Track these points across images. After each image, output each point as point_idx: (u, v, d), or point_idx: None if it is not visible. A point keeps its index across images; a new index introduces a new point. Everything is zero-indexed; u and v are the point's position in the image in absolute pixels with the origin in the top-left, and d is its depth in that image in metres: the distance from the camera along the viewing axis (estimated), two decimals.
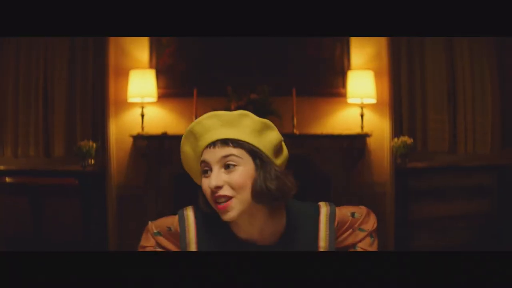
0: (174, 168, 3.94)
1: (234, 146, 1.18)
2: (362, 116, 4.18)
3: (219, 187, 1.16)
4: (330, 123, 4.30)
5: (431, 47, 4.31)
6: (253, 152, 1.19)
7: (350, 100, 4.22)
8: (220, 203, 1.17)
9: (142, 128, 4.18)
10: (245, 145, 1.19)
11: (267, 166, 1.19)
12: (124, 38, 4.34)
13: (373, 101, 4.21)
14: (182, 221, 1.29)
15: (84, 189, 4.15)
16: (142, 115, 4.17)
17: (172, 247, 1.29)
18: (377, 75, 4.23)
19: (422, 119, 4.32)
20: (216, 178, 1.17)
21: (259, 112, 3.81)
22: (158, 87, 4.22)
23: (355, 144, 4.18)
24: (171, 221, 1.30)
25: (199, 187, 1.25)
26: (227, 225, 1.26)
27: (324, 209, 1.30)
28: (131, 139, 4.26)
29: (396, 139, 4.13)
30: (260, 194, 1.17)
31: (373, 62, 4.34)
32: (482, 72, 4.32)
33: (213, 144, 1.19)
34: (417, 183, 4.22)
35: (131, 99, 4.18)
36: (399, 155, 4.13)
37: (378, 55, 4.35)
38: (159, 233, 1.30)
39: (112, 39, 4.32)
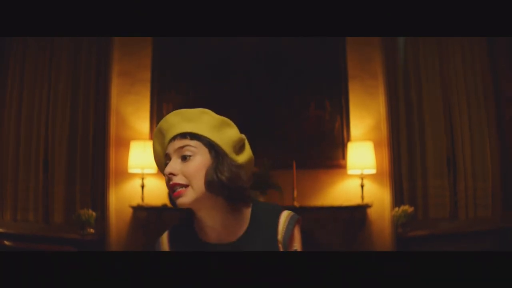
0: None
1: (191, 139, 1.28)
2: (362, 186, 4.19)
3: (173, 174, 1.25)
4: (331, 194, 4.31)
5: (429, 114, 4.35)
6: (209, 145, 1.28)
7: (350, 171, 4.23)
8: (174, 190, 1.25)
9: (142, 199, 4.18)
10: (202, 138, 1.28)
11: (221, 158, 1.27)
12: (125, 109, 4.41)
13: (373, 171, 4.22)
14: (158, 241, 1.42)
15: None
16: (142, 186, 4.18)
17: None
18: (377, 146, 4.26)
19: (423, 186, 4.31)
20: (171, 166, 1.26)
21: (259, 185, 3.84)
22: None
23: (356, 215, 4.17)
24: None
25: None
26: (195, 233, 1.37)
27: (286, 212, 1.38)
28: (131, 210, 4.26)
29: (396, 209, 4.12)
30: (211, 183, 1.25)
31: (372, 133, 4.39)
32: (482, 135, 4.35)
33: (174, 138, 1.29)
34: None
35: (131, 169, 4.20)
36: (400, 224, 4.11)
37: (377, 125, 4.40)
38: None
39: (114, 109, 4.39)
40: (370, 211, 4.27)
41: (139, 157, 4.14)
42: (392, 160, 4.32)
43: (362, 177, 4.20)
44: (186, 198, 1.25)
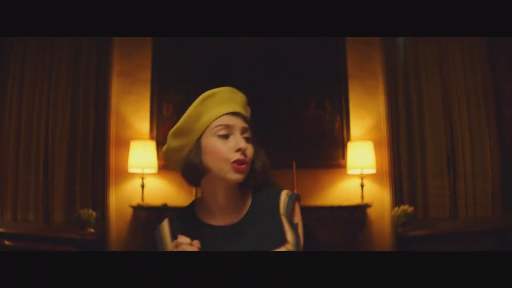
0: None
1: (247, 123, 1.37)
2: (362, 186, 4.19)
3: (246, 150, 1.32)
4: (331, 194, 4.31)
5: (429, 114, 4.36)
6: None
7: (350, 171, 4.23)
8: (240, 164, 1.31)
9: (142, 199, 4.18)
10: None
11: (258, 149, 1.40)
12: (125, 109, 4.41)
13: (373, 171, 4.22)
14: (158, 228, 1.45)
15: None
16: (142, 186, 4.18)
17: None
18: (377, 146, 4.26)
19: (422, 186, 4.32)
20: (245, 143, 1.33)
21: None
22: (159, 158, 4.24)
23: (356, 215, 4.18)
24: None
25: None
26: (196, 217, 1.41)
27: (285, 190, 1.45)
28: (131, 210, 4.26)
29: (396, 208, 4.12)
30: (261, 170, 1.38)
31: (372, 132, 4.39)
32: (482, 135, 4.35)
33: (236, 113, 1.35)
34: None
35: (131, 169, 4.20)
36: (400, 224, 4.11)
37: (377, 125, 4.41)
38: None
39: (114, 109, 4.39)
40: (370, 211, 4.28)
41: (139, 157, 4.14)
42: (392, 160, 4.33)
43: (362, 177, 4.21)
44: (244, 174, 1.33)
